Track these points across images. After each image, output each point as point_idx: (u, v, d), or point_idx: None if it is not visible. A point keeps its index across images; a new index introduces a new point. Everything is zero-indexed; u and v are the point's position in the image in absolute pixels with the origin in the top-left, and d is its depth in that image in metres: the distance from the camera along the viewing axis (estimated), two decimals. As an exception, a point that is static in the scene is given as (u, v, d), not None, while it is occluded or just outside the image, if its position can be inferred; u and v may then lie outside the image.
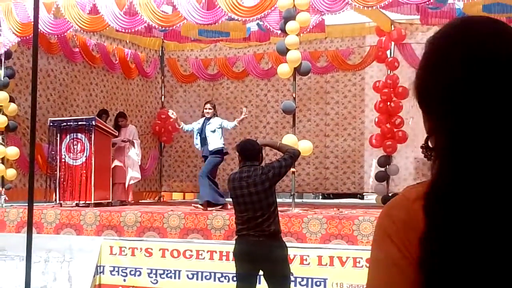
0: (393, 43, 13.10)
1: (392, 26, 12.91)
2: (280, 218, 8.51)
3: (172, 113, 11.41)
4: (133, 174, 12.14)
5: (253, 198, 5.97)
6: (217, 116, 11.26)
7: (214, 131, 10.92)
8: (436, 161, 1.39)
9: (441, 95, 1.36)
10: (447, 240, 1.28)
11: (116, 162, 11.91)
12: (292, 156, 6.33)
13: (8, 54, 11.20)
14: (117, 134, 11.76)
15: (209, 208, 10.25)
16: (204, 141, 10.97)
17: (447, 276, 1.27)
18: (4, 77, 11.09)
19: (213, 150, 10.88)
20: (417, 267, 1.31)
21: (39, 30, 10.98)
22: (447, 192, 1.30)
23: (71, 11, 10.89)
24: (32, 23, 5.10)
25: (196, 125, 11.20)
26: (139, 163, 12.47)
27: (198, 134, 11.04)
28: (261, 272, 6.16)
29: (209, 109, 11.10)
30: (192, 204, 10.82)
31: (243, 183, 6.01)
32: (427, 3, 9.92)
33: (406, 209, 1.37)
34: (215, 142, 10.91)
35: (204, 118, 11.11)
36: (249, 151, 6.20)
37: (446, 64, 1.35)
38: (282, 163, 6.14)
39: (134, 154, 12.21)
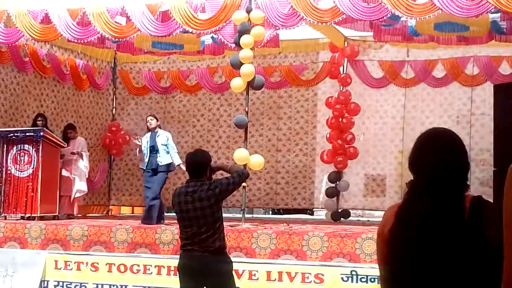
0: (346, 59, 13.21)
1: (346, 42, 13.02)
2: (230, 233, 8.50)
3: (137, 140, 11.21)
4: (79, 187, 11.92)
5: (198, 213, 5.84)
6: (161, 128, 11.14)
7: (165, 144, 10.79)
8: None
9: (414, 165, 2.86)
10: (392, 232, 2.78)
11: (63, 174, 11.68)
12: (240, 175, 6.23)
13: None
14: (65, 146, 11.55)
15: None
16: (154, 154, 10.71)
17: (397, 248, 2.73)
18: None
19: (164, 163, 10.68)
20: (385, 245, 2.78)
21: (-13, 38, 10.83)
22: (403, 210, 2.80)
23: (22, 20, 10.71)
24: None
25: (144, 140, 10.90)
26: (87, 176, 12.27)
27: (148, 148, 10.74)
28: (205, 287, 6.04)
29: (152, 120, 10.95)
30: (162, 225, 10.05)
31: (188, 198, 5.88)
32: (380, 20, 10.01)
33: (385, 214, 2.91)
34: (165, 155, 10.73)
35: (149, 132, 10.89)
36: (196, 164, 6.06)
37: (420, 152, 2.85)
38: (230, 181, 6.05)
39: (83, 166, 12.01)
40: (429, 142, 2.83)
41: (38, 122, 11.64)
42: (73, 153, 11.80)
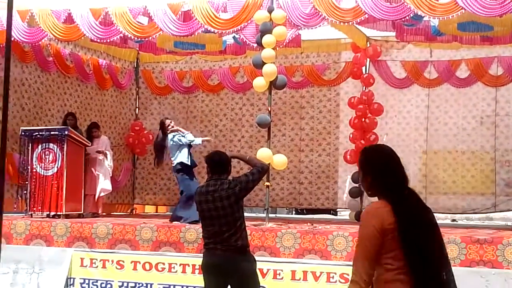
0: (368, 59, 13.17)
1: (368, 42, 12.98)
2: (254, 233, 8.52)
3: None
4: (103, 186, 11.98)
5: (219, 212, 5.85)
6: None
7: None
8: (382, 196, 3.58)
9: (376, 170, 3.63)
10: (406, 226, 3.39)
11: (88, 172, 11.75)
12: (260, 170, 6.17)
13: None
14: (90, 144, 11.63)
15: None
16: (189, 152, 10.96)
17: (409, 239, 3.36)
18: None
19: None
20: (382, 237, 3.37)
21: (12, 38, 10.93)
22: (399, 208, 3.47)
23: (46, 20, 10.79)
24: (5, 31, 5.00)
25: (178, 141, 10.94)
26: (111, 175, 12.33)
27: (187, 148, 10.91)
28: (229, 286, 6.05)
29: (171, 122, 11.25)
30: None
31: (209, 197, 5.89)
32: (403, 20, 9.98)
33: (376, 211, 3.46)
34: None
35: (172, 133, 10.96)
36: (216, 163, 6.07)
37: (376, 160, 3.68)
38: (250, 178, 6.02)
39: (107, 165, 12.07)
40: (394, 155, 3.74)
41: (67, 121, 11.76)
42: (98, 152, 11.85)
